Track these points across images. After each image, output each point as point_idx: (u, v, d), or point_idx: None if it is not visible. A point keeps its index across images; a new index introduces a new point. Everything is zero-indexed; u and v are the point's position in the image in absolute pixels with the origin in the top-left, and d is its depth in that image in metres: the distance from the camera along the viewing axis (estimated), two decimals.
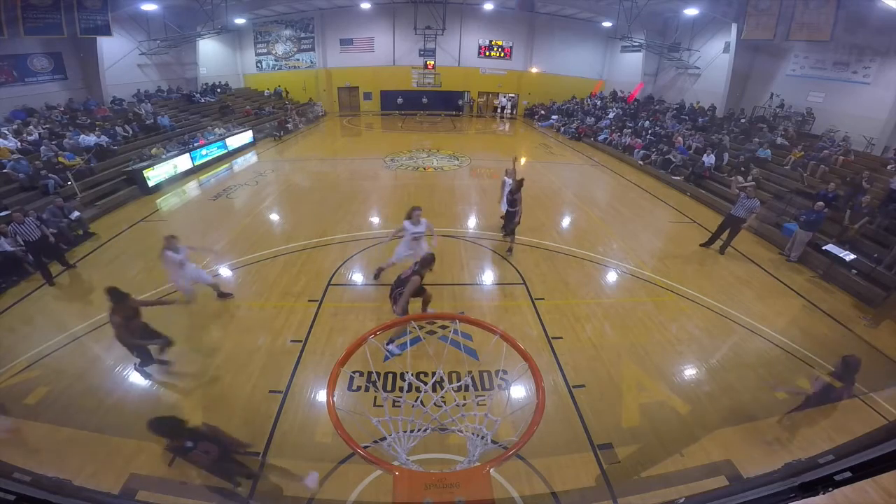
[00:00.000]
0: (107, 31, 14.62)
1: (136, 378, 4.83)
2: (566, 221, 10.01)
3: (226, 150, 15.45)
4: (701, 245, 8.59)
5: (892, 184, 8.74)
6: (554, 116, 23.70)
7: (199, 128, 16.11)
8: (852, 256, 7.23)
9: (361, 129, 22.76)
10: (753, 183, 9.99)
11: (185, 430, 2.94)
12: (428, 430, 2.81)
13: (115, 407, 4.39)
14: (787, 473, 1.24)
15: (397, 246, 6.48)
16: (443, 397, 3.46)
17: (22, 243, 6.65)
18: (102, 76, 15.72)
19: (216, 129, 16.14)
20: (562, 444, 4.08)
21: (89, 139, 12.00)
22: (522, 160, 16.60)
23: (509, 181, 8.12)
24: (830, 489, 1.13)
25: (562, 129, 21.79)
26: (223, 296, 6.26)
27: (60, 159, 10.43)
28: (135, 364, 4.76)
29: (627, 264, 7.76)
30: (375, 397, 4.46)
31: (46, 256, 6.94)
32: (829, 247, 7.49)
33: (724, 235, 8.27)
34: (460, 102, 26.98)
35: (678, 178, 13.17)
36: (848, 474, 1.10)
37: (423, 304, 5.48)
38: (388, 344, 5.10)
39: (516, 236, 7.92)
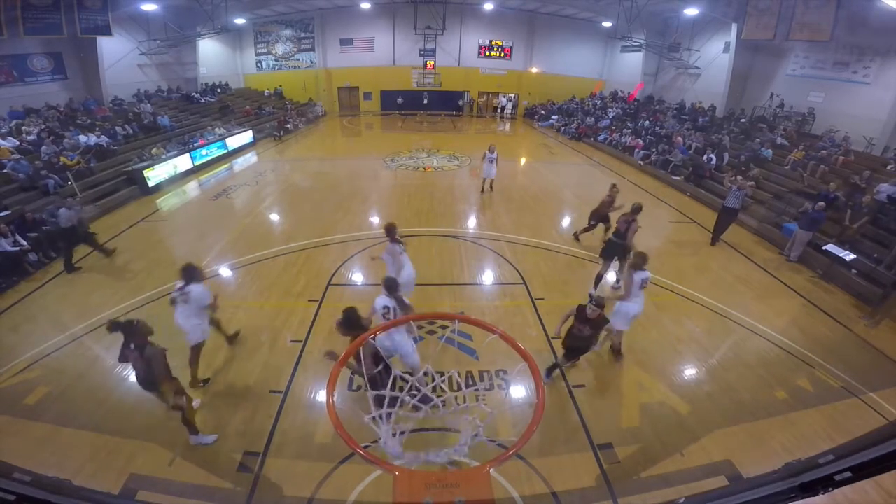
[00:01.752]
0: (107, 31, 14.62)
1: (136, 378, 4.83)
2: (566, 221, 10.01)
3: (226, 150, 15.45)
4: (711, 245, 8.75)
5: (879, 195, 8.37)
6: (554, 116, 23.71)
7: (199, 128, 16.12)
8: (852, 256, 7.23)
9: (361, 129, 22.76)
10: (753, 183, 9.99)
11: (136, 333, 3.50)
12: (422, 411, 2.73)
13: (115, 407, 4.39)
14: (787, 473, 1.24)
15: None
16: (443, 398, 3.46)
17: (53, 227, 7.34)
18: (102, 76, 15.71)
19: (216, 129, 16.14)
20: (562, 444, 4.08)
21: (89, 139, 12.00)
22: (522, 160, 16.61)
23: (491, 155, 10.69)
24: (830, 489, 1.13)
25: (562, 129, 21.79)
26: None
27: (63, 159, 10.42)
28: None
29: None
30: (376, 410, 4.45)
31: (77, 244, 7.30)
32: (829, 247, 7.48)
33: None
34: (460, 102, 26.98)
35: (678, 178, 13.17)
36: (848, 474, 1.10)
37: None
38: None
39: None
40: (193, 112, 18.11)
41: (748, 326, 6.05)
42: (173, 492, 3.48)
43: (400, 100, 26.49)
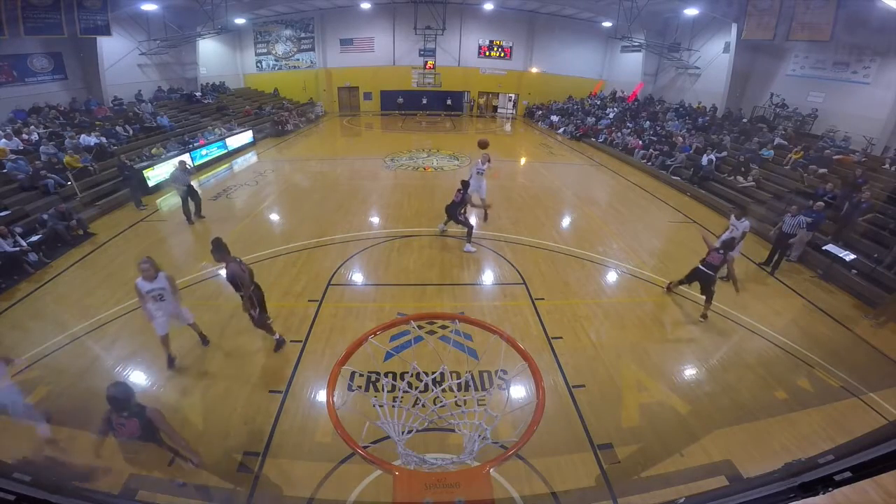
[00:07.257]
0: (107, 31, 14.61)
1: (136, 378, 4.84)
2: (566, 221, 10.01)
3: (226, 150, 15.45)
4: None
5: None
6: (554, 116, 23.72)
7: (199, 128, 16.11)
8: (852, 256, 7.23)
9: (361, 129, 22.75)
10: (753, 183, 9.99)
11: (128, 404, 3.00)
12: (426, 423, 2.78)
13: None
14: (787, 473, 1.23)
15: None
16: (442, 396, 3.46)
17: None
18: (102, 76, 15.70)
19: (216, 129, 16.13)
20: (562, 444, 4.07)
21: (90, 139, 11.99)
22: (522, 160, 16.60)
23: (481, 167, 8.87)
24: (830, 489, 1.13)
25: (562, 129, 21.80)
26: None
27: (67, 159, 10.40)
28: None
29: (627, 264, 7.75)
30: (376, 397, 4.46)
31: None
32: (829, 247, 7.48)
33: None
34: (448, 102, 26.85)
35: (678, 177, 13.17)
36: (848, 474, 1.09)
37: None
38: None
39: None
40: (194, 112, 18.11)
41: (748, 326, 6.05)
42: (173, 492, 3.47)
43: (400, 100, 26.49)
